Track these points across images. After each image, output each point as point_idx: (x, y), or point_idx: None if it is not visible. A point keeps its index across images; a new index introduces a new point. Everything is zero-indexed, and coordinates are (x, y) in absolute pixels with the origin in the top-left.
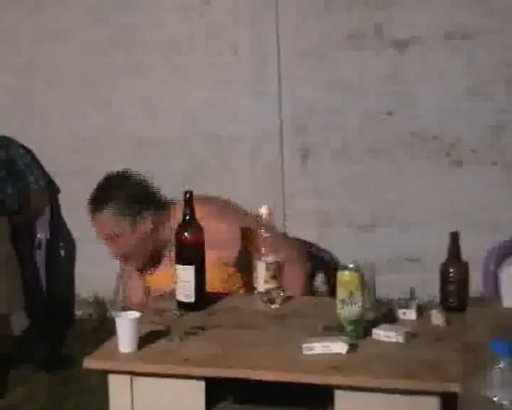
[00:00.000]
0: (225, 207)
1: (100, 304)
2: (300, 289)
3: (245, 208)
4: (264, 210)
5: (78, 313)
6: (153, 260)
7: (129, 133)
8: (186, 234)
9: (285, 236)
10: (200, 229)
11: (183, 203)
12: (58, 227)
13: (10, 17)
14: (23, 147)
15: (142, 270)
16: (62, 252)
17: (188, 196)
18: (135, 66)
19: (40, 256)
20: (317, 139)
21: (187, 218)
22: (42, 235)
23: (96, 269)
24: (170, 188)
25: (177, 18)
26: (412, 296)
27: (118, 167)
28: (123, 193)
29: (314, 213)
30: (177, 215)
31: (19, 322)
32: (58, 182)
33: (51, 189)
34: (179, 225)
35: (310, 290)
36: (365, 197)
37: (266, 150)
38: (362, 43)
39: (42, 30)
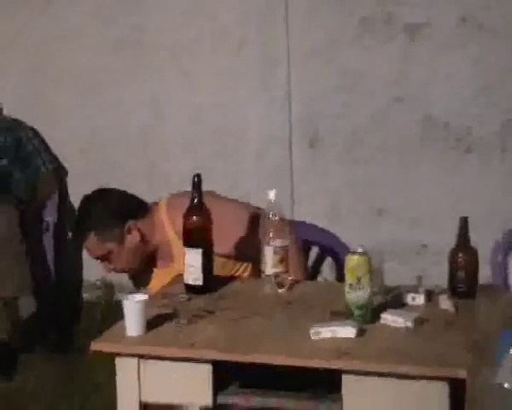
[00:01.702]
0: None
1: (108, 287)
2: (301, 273)
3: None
4: (272, 195)
5: (86, 296)
6: (149, 264)
7: (136, 133)
8: (194, 218)
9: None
10: (207, 212)
11: (164, 200)
12: (66, 210)
13: (19, 18)
14: (32, 129)
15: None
16: (70, 235)
17: (196, 179)
18: (142, 67)
19: (48, 240)
20: (327, 131)
21: (195, 201)
22: (49, 218)
23: None
24: (177, 188)
25: (185, 18)
26: (420, 283)
27: (124, 167)
28: (102, 214)
29: (323, 203)
30: (160, 213)
31: (26, 306)
32: (68, 164)
33: (59, 172)
34: (187, 209)
35: (309, 274)
36: (374, 186)
37: (274, 150)
38: (373, 33)
39: (50, 30)
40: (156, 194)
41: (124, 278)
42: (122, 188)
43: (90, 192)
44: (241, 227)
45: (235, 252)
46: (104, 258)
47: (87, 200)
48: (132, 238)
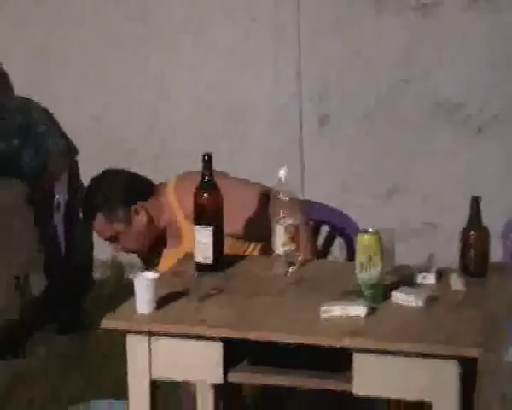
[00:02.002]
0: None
1: (118, 266)
2: (311, 253)
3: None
4: (282, 172)
5: (96, 275)
6: (158, 244)
7: (143, 112)
8: (205, 195)
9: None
10: (218, 191)
11: (173, 181)
12: (76, 189)
13: None
14: (43, 109)
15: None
16: (81, 214)
17: (206, 158)
18: (150, 45)
19: (58, 218)
20: (337, 109)
21: (206, 179)
22: (60, 196)
23: None
24: (185, 167)
25: None
26: (430, 262)
27: (132, 146)
28: (109, 195)
29: (333, 182)
30: (168, 194)
31: (37, 283)
32: (78, 143)
33: (70, 150)
34: (198, 188)
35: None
36: (385, 166)
37: (284, 128)
38: (384, 11)
39: (56, 10)
40: (164, 173)
41: (134, 258)
42: (129, 167)
43: (98, 173)
44: (250, 207)
45: (244, 232)
46: (112, 239)
47: (94, 181)
48: (140, 220)
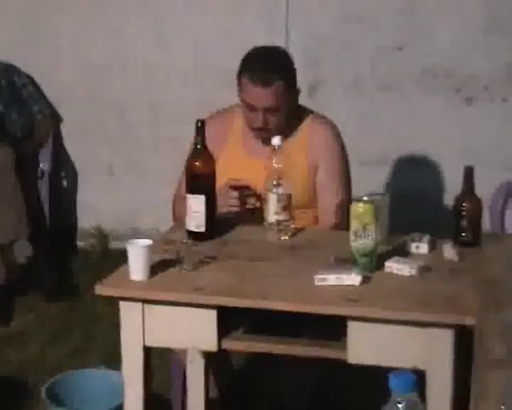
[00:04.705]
0: None
1: (102, 235)
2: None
3: None
4: (276, 141)
5: (81, 244)
6: None
7: (138, 62)
8: (197, 163)
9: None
10: (211, 158)
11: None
12: (60, 158)
13: None
14: (27, 75)
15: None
16: (64, 183)
17: (199, 124)
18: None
19: (43, 186)
20: (328, 73)
21: (198, 147)
22: (44, 165)
23: (99, 201)
24: (178, 117)
25: None
26: (422, 232)
27: (126, 95)
28: (291, 67)
29: None
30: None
31: (22, 251)
32: (64, 110)
33: (54, 118)
34: (190, 155)
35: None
36: (376, 133)
37: None
38: None
39: None
40: (157, 124)
41: (119, 227)
42: (121, 116)
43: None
44: None
45: None
46: (274, 110)
47: (274, 51)
48: (293, 104)
